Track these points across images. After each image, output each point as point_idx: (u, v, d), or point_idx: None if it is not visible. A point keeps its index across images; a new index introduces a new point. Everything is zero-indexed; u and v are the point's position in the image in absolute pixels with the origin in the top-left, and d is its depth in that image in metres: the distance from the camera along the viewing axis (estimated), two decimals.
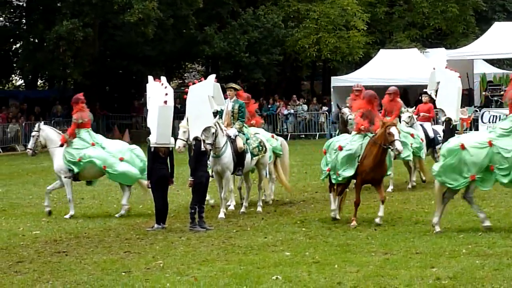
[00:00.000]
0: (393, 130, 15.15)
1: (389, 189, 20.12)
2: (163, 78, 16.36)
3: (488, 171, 14.06)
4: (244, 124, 17.88)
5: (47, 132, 18.02)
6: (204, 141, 15.86)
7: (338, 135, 20.49)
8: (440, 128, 22.70)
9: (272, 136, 19.46)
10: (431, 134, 21.88)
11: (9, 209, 19.44)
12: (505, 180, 14.02)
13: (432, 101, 22.39)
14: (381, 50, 44.83)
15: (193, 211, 15.50)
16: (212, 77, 16.72)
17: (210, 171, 16.70)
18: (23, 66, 47.53)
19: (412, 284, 10.56)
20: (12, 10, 48.35)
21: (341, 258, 12.30)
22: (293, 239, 14.12)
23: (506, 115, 14.74)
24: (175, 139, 16.29)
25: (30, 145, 18.27)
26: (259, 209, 17.72)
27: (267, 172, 18.69)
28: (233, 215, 17.24)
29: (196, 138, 15.79)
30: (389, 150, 15.41)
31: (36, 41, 45.27)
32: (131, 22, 40.81)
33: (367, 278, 10.90)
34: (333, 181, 15.97)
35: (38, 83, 55.24)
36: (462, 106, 24.37)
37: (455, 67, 24.43)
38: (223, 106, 17.18)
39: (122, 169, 17.55)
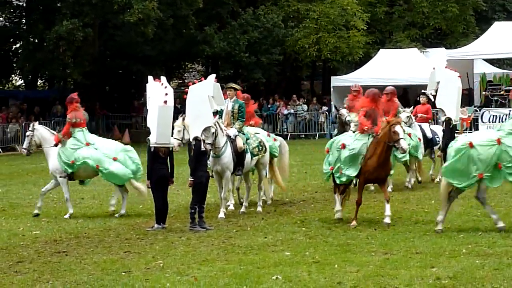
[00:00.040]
0: (398, 128, 15.09)
1: (389, 188, 20.11)
2: (163, 78, 16.35)
3: (496, 169, 14.04)
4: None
5: (42, 132, 18.10)
6: (204, 141, 15.86)
7: (337, 135, 20.51)
8: (438, 129, 22.70)
9: (268, 135, 19.41)
10: (429, 135, 21.87)
11: (9, 209, 19.44)
12: None
13: (430, 102, 22.38)
14: (381, 50, 44.85)
15: (193, 211, 15.50)
16: (212, 77, 16.72)
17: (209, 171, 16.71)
18: (23, 66, 47.54)
19: (412, 284, 10.56)
20: (12, 10, 48.38)
21: (341, 258, 12.30)
22: (293, 239, 14.12)
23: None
24: None
25: (25, 145, 18.37)
26: (259, 209, 17.72)
27: (267, 172, 18.68)
28: (233, 215, 17.24)
29: (196, 138, 15.79)
30: (393, 148, 15.36)
31: (36, 41, 45.28)
32: (131, 22, 40.81)
33: (367, 278, 10.90)
34: (337, 181, 15.85)
35: (38, 83, 55.26)
36: (462, 106, 24.34)
37: (455, 67, 24.43)
38: (223, 106, 17.18)
39: (114, 168, 17.59)
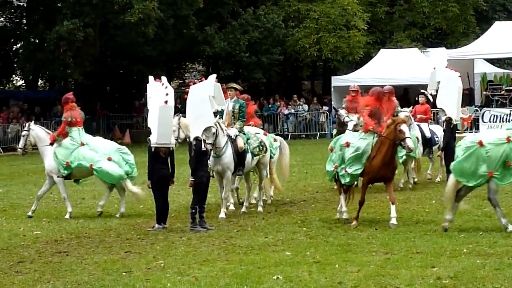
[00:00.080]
0: (403, 127, 15.05)
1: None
2: (164, 78, 16.37)
3: (506, 168, 14.02)
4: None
5: (37, 132, 18.18)
6: (204, 141, 15.86)
7: (336, 135, 20.50)
8: (437, 128, 22.68)
9: (265, 134, 19.35)
10: (428, 134, 21.85)
11: (10, 209, 19.45)
12: None
13: (429, 102, 22.37)
14: (382, 50, 44.87)
15: (193, 211, 15.50)
16: (213, 77, 16.72)
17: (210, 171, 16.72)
18: (23, 66, 47.57)
19: (413, 284, 10.56)
20: (12, 11, 48.42)
21: (342, 257, 12.30)
22: (293, 239, 14.11)
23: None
24: None
25: (20, 144, 18.48)
26: (260, 209, 17.72)
27: (268, 172, 18.69)
28: (233, 215, 17.24)
29: (196, 138, 15.79)
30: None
31: (37, 41, 45.31)
32: (132, 22, 40.84)
33: (368, 278, 10.90)
34: (342, 181, 15.73)
35: (39, 83, 55.28)
36: (462, 106, 24.34)
37: (455, 66, 24.43)
38: (223, 106, 17.18)
39: (107, 167, 17.62)
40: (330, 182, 18.33)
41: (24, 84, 56.82)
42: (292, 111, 44.70)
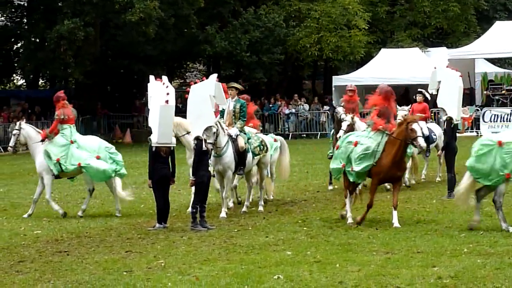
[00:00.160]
0: (415, 126, 14.96)
1: (390, 187, 20.09)
2: (165, 78, 16.37)
3: None
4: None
5: (28, 131, 18.25)
6: (205, 140, 15.86)
7: (333, 134, 20.53)
8: (434, 127, 22.66)
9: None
10: (426, 132, 21.82)
11: (11, 208, 19.45)
12: None
13: (427, 100, 22.35)
14: (383, 50, 44.84)
15: (194, 210, 15.50)
16: (214, 76, 16.71)
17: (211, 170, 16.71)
18: (24, 66, 47.57)
19: (413, 283, 10.55)
20: (13, 10, 48.38)
21: (342, 257, 12.30)
22: (294, 239, 14.11)
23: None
24: None
25: (11, 143, 18.62)
26: (261, 208, 17.72)
27: (268, 172, 18.69)
28: (234, 215, 17.24)
29: (197, 138, 15.79)
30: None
31: (37, 40, 45.31)
32: (132, 22, 40.82)
33: (369, 277, 10.90)
34: (350, 179, 15.54)
35: (40, 82, 55.26)
36: (463, 105, 24.31)
37: (456, 66, 24.41)
38: (224, 106, 17.18)
39: (95, 165, 17.62)
40: (337, 181, 18.09)
41: (24, 84, 56.81)
42: (293, 110, 44.68)
